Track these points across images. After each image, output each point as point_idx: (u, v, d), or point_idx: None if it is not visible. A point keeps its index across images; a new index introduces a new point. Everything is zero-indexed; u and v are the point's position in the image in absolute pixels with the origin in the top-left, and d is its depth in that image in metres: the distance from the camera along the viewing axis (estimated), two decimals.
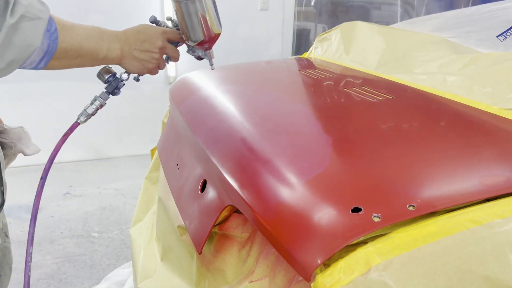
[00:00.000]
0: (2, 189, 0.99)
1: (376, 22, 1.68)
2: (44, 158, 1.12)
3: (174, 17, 0.99)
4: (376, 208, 0.58)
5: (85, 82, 2.97)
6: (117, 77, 0.98)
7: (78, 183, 2.79)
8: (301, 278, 0.62)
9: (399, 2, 3.57)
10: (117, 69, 0.99)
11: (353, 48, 1.52)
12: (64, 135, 1.01)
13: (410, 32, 1.46)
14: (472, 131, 0.87)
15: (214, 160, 0.83)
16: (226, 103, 1.07)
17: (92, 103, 0.99)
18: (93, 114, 1.00)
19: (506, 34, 1.23)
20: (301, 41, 3.60)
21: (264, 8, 3.30)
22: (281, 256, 0.62)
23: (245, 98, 1.12)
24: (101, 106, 1.00)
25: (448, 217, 0.59)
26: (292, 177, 0.68)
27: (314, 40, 1.77)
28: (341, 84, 1.20)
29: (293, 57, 1.81)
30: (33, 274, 1.89)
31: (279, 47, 3.46)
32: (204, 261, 0.88)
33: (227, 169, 0.79)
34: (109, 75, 0.98)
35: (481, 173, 0.69)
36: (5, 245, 1.10)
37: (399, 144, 0.80)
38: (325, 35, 1.72)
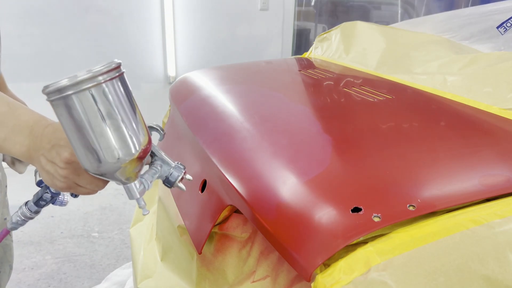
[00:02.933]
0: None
1: (376, 22, 1.68)
2: None
3: None
4: (376, 208, 0.58)
5: None
6: (48, 189, 0.69)
7: None
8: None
9: (399, 2, 3.57)
10: None
11: (353, 48, 1.52)
12: None
13: (410, 32, 1.46)
14: (472, 131, 0.87)
15: (214, 160, 0.83)
16: (226, 103, 1.07)
17: (16, 212, 0.72)
18: (21, 224, 0.72)
19: (506, 25, 1.23)
20: (301, 41, 3.60)
21: (264, 8, 3.30)
22: (282, 256, 0.62)
23: (245, 98, 1.12)
24: (26, 218, 0.71)
25: (448, 217, 0.59)
26: (292, 177, 0.68)
27: (314, 40, 1.77)
28: (341, 84, 1.20)
29: (293, 57, 1.81)
30: (33, 274, 1.89)
31: (279, 47, 3.46)
32: (204, 261, 0.88)
33: (227, 169, 0.79)
34: (40, 179, 0.71)
35: (481, 173, 0.69)
36: (6, 243, 1.11)
37: (399, 144, 0.80)
38: (325, 35, 1.72)
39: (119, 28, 2.90)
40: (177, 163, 0.63)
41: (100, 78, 0.50)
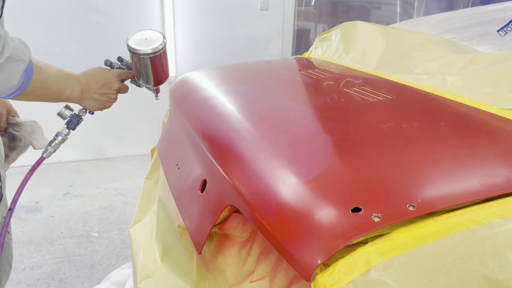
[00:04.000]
0: (0, 184, 0.99)
1: (376, 22, 1.68)
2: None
3: (126, 59, 1.12)
4: (376, 208, 0.58)
5: None
6: (77, 114, 1.09)
7: (78, 183, 2.79)
8: (301, 277, 0.62)
9: (399, 2, 3.57)
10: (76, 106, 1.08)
11: (353, 48, 1.52)
12: (30, 170, 1.06)
13: (410, 32, 1.46)
14: (472, 131, 0.87)
15: (214, 160, 0.83)
16: (226, 103, 1.07)
17: (54, 139, 1.08)
18: (55, 149, 1.08)
19: (506, 29, 1.23)
20: (301, 41, 3.60)
21: (264, 8, 3.30)
22: (281, 256, 0.62)
23: (245, 98, 1.12)
24: (63, 141, 1.09)
25: (448, 217, 0.59)
26: (292, 177, 0.68)
27: (314, 40, 1.77)
28: (341, 84, 1.20)
29: (293, 57, 1.81)
30: (33, 274, 1.89)
31: (279, 47, 3.46)
32: (204, 261, 0.88)
33: (227, 169, 0.79)
34: (71, 113, 1.09)
35: (481, 173, 0.69)
36: (5, 241, 1.11)
37: (399, 144, 0.80)
38: (325, 35, 1.72)
39: (119, 28, 2.90)
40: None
41: (158, 51, 1.05)
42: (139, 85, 1.18)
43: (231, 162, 0.80)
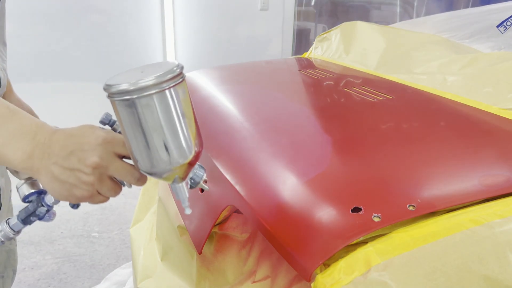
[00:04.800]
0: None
1: (376, 22, 1.68)
2: None
3: None
4: (376, 208, 0.58)
5: (84, 82, 2.97)
6: (38, 198, 0.65)
7: None
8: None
9: (399, 2, 3.57)
10: None
11: (353, 48, 1.52)
12: None
13: (410, 32, 1.46)
14: (472, 131, 0.87)
15: (214, 160, 0.83)
16: (226, 103, 1.07)
17: None
18: None
19: (506, 24, 1.23)
20: (301, 41, 3.60)
21: (264, 8, 3.30)
22: (281, 256, 0.62)
23: (245, 98, 1.12)
24: (8, 238, 0.64)
25: (448, 217, 0.59)
26: (292, 177, 0.68)
27: (314, 40, 1.77)
28: (341, 84, 1.20)
29: (293, 57, 1.81)
30: (33, 274, 1.89)
31: (279, 47, 3.46)
32: (204, 261, 0.88)
33: (227, 169, 0.79)
34: (30, 192, 0.64)
35: (481, 173, 0.69)
36: (10, 248, 1.10)
37: (399, 144, 0.80)
38: (325, 35, 1.72)
39: (119, 28, 2.90)
40: (199, 164, 0.61)
41: (165, 85, 0.48)
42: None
43: (231, 162, 0.80)
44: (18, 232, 0.64)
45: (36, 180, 0.65)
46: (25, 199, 0.64)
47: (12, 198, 1.09)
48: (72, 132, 0.57)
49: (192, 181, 0.60)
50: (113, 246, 2.11)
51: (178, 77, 0.50)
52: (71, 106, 3.00)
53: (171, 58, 0.76)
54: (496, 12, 1.33)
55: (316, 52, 1.70)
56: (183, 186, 0.59)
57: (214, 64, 1.67)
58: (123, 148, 0.57)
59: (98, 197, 0.61)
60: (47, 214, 0.66)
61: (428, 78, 1.14)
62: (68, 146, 0.55)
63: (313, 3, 3.70)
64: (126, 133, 0.52)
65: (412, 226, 0.58)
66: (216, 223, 0.81)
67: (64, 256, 2.03)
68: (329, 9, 3.85)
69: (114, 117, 0.60)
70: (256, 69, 1.51)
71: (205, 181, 0.61)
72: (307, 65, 1.52)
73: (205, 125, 0.99)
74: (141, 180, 0.60)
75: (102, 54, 2.87)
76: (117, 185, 0.60)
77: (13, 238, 0.65)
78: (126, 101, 0.49)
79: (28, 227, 0.65)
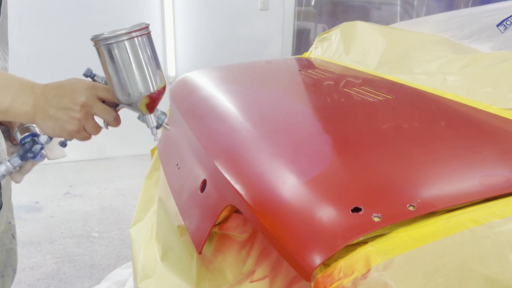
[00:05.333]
0: (0, 191, 0.98)
1: (376, 22, 1.68)
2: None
3: None
4: (376, 208, 0.58)
5: None
6: (34, 139, 0.80)
7: (78, 183, 2.79)
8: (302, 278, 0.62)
9: (399, 2, 3.57)
10: None
11: (353, 48, 1.52)
12: None
13: (410, 32, 1.46)
14: (472, 131, 0.87)
15: (214, 160, 0.83)
16: (226, 103, 1.07)
17: None
18: None
19: (505, 23, 1.23)
20: (301, 41, 3.60)
21: (264, 8, 3.30)
22: (281, 256, 0.62)
23: (245, 98, 1.12)
24: (9, 172, 0.80)
25: (448, 217, 0.59)
26: (292, 177, 0.68)
27: (314, 40, 1.77)
28: (341, 84, 1.20)
29: (293, 57, 1.81)
30: (33, 274, 1.89)
31: (279, 47, 3.46)
32: (204, 261, 0.88)
33: (227, 169, 0.79)
34: (25, 135, 0.81)
35: (481, 173, 0.69)
36: (11, 247, 1.10)
37: (399, 144, 0.80)
38: (325, 35, 1.72)
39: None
40: (162, 111, 0.81)
41: (133, 34, 0.69)
42: (140, 119, 0.81)
43: (231, 162, 0.80)
44: (17, 167, 0.80)
45: (28, 125, 0.83)
46: (21, 141, 0.81)
47: (12, 197, 1.09)
48: (62, 82, 0.74)
49: (157, 122, 0.80)
50: (113, 246, 2.11)
51: (143, 29, 0.70)
52: None
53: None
54: (496, 12, 1.33)
55: (316, 52, 1.70)
56: (151, 117, 0.79)
57: (214, 64, 1.67)
58: (104, 92, 0.74)
59: (83, 133, 0.76)
60: (40, 153, 0.82)
61: (428, 78, 1.14)
62: (60, 91, 0.72)
63: (313, 3, 3.70)
64: (108, 71, 0.70)
65: (412, 226, 0.58)
66: (216, 223, 0.81)
67: (64, 256, 2.03)
68: (329, 9, 3.85)
69: (94, 71, 0.78)
70: (256, 69, 1.51)
71: (167, 124, 0.82)
72: (307, 65, 1.52)
73: (205, 125, 0.99)
74: (117, 120, 0.78)
75: None
76: (98, 125, 0.77)
77: (11, 173, 0.81)
78: (106, 46, 0.68)
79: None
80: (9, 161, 0.80)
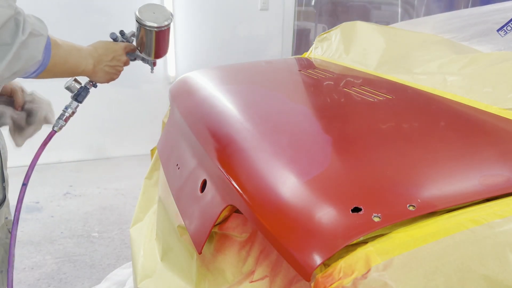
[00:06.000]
0: (4, 185, 0.99)
1: (376, 22, 1.68)
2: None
3: (126, 33, 1.19)
4: (376, 208, 0.58)
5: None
6: (86, 87, 1.13)
7: (78, 183, 2.79)
8: (301, 278, 0.62)
9: (399, 2, 3.57)
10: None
11: (353, 48, 1.52)
12: (42, 144, 1.10)
13: (410, 32, 1.46)
14: (472, 131, 0.87)
15: (214, 160, 0.83)
16: (226, 103, 1.07)
17: (64, 113, 1.13)
18: (66, 123, 1.14)
19: (506, 28, 1.23)
20: (301, 41, 3.60)
21: (264, 8, 3.30)
22: (281, 256, 0.62)
23: (245, 98, 1.12)
24: (73, 114, 1.14)
25: (448, 217, 0.59)
26: (292, 177, 0.68)
27: (314, 40, 1.77)
28: (341, 84, 1.20)
29: (293, 57, 1.81)
30: (33, 274, 1.89)
31: (279, 47, 3.46)
32: (204, 261, 0.88)
33: (227, 169, 0.79)
34: (79, 86, 1.13)
35: (481, 173, 0.69)
36: (7, 242, 1.11)
37: (399, 144, 0.80)
38: (325, 35, 1.72)
39: (119, 28, 2.90)
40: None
41: (162, 27, 1.11)
42: (135, 59, 1.21)
43: (231, 162, 0.80)
44: (76, 108, 1.16)
45: (77, 79, 1.13)
46: (77, 92, 1.13)
47: (11, 195, 1.09)
48: (105, 46, 1.09)
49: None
50: (113, 246, 2.11)
51: (170, 23, 1.12)
52: None
53: (164, 7, 0.92)
54: (496, 12, 1.33)
55: (316, 52, 1.70)
56: (152, 63, 1.25)
57: (214, 64, 1.67)
58: (130, 49, 1.16)
59: (118, 76, 1.16)
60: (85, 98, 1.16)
61: (428, 78, 1.14)
62: (109, 54, 1.09)
63: (313, 3, 3.70)
64: (144, 40, 1.14)
65: (412, 226, 0.58)
66: (216, 223, 0.81)
67: (64, 256, 2.03)
68: (329, 9, 3.85)
69: (117, 34, 1.16)
70: (256, 69, 1.51)
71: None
72: (307, 65, 1.52)
73: (205, 125, 0.99)
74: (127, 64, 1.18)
75: None
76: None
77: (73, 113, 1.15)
78: (146, 29, 1.10)
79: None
80: (70, 107, 1.14)
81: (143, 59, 1.22)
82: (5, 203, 1.03)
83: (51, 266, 1.95)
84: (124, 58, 1.13)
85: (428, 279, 0.53)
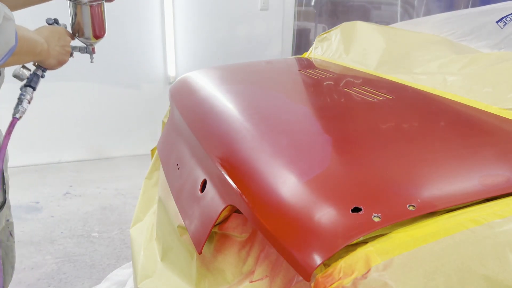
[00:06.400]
0: (4, 187, 0.99)
1: (376, 22, 1.68)
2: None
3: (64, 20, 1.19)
4: (376, 208, 0.58)
5: (80, 82, 2.96)
6: (36, 74, 1.08)
7: (78, 183, 2.79)
8: (301, 278, 0.62)
9: (399, 2, 3.57)
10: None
11: (353, 48, 1.52)
12: (7, 133, 1.01)
13: (410, 32, 1.46)
14: (472, 131, 0.87)
15: (214, 160, 0.83)
16: (226, 103, 1.07)
17: (22, 100, 1.06)
18: (26, 108, 1.07)
19: (505, 19, 1.23)
20: (301, 41, 3.60)
21: (264, 8, 3.30)
22: (281, 256, 0.62)
23: (245, 98, 1.12)
24: (31, 99, 1.08)
25: (448, 217, 0.59)
26: (292, 177, 0.68)
27: (314, 40, 1.77)
28: (341, 84, 1.20)
29: (293, 57, 1.81)
30: (33, 274, 1.89)
31: (279, 47, 3.46)
32: (204, 261, 0.88)
33: (227, 169, 0.79)
34: (29, 72, 1.07)
35: (481, 173, 0.69)
36: (7, 244, 1.11)
37: (399, 144, 0.80)
38: (325, 35, 1.72)
39: (119, 28, 2.90)
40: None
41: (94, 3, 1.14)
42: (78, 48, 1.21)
43: (231, 162, 0.80)
44: (32, 94, 1.08)
45: (25, 65, 1.06)
46: (28, 78, 1.06)
47: (11, 196, 1.09)
48: (49, 29, 1.07)
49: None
50: (113, 246, 2.11)
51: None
52: (70, 107, 3.00)
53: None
54: (496, 12, 1.33)
55: (316, 52, 1.70)
56: (91, 48, 1.26)
57: (214, 64, 1.67)
58: (70, 33, 1.14)
59: (68, 58, 1.13)
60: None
61: (428, 78, 1.14)
62: (55, 35, 1.06)
63: (313, 3, 3.70)
64: (83, 19, 1.14)
65: (412, 226, 0.58)
66: (216, 223, 0.81)
67: (64, 256, 2.03)
68: (329, 9, 3.85)
69: (50, 20, 1.15)
70: (256, 69, 1.51)
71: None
72: (307, 65, 1.52)
73: (205, 125, 0.99)
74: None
75: (102, 54, 2.87)
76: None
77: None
78: (81, 5, 1.11)
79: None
80: (27, 93, 1.06)
81: (80, 49, 1.21)
82: (6, 205, 1.03)
83: (51, 266, 1.95)
84: (69, 38, 1.11)
85: (428, 279, 0.53)
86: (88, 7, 1.12)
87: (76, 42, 1.18)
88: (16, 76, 1.06)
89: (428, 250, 0.55)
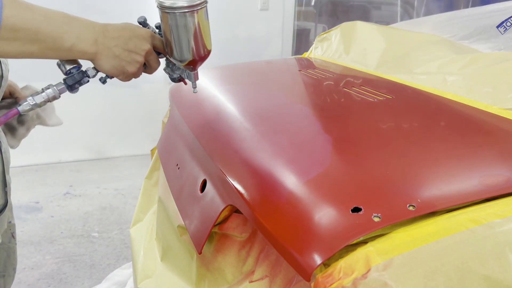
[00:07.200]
0: (5, 190, 0.99)
1: (376, 22, 1.68)
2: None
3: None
4: (376, 208, 0.58)
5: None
6: (82, 70, 0.81)
7: (78, 183, 2.79)
8: (301, 278, 0.62)
9: (399, 2, 3.57)
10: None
11: (353, 48, 1.52)
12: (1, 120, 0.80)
13: (410, 32, 1.46)
14: (472, 131, 0.87)
15: (214, 160, 0.83)
16: (226, 103, 1.07)
17: (42, 91, 0.80)
18: (39, 106, 0.79)
19: (506, 24, 1.23)
20: (301, 41, 3.60)
21: (264, 8, 3.30)
22: (281, 256, 0.62)
23: (245, 98, 1.12)
24: (54, 98, 0.80)
25: (448, 217, 0.59)
26: (292, 177, 0.68)
27: (314, 40, 1.77)
28: (341, 84, 1.20)
29: (293, 57, 1.81)
30: (33, 274, 1.89)
31: (279, 47, 3.46)
32: (204, 261, 0.88)
33: (227, 169, 0.79)
34: (72, 66, 0.80)
35: (481, 173, 0.69)
36: (10, 246, 1.11)
37: (399, 144, 0.80)
38: (325, 35, 1.72)
39: None
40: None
41: (194, 8, 0.78)
42: (172, 70, 0.91)
43: (231, 162, 0.80)
44: (58, 96, 0.81)
45: (69, 60, 0.81)
46: (67, 72, 0.80)
47: (11, 197, 1.09)
48: (123, 25, 0.79)
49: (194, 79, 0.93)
50: (113, 246, 2.11)
51: (202, 3, 0.78)
52: (70, 107, 3.00)
53: None
54: (496, 12, 1.33)
55: (316, 52, 1.70)
56: (192, 74, 0.92)
57: (214, 64, 1.67)
58: (160, 43, 0.83)
59: (133, 75, 0.82)
60: (79, 85, 0.83)
61: (428, 78, 1.14)
62: (125, 34, 0.77)
63: (313, 3, 3.70)
64: (171, 33, 0.80)
65: (412, 226, 0.58)
66: (216, 223, 0.81)
67: (64, 256, 2.03)
68: (329, 9, 3.85)
69: (141, 19, 0.85)
70: (256, 69, 1.51)
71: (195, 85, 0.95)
72: (307, 65, 1.52)
73: (205, 125, 0.99)
74: (156, 70, 0.85)
75: None
76: (141, 70, 0.83)
77: (51, 101, 0.81)
78: (176, 14, 0.77)
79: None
80: (55, 86, 0.80)
81: (172, 69, 0.91)
82: (8, 207, 1.03)
83: (51, 266, 1.95)
84: (148, 46, 0.79)
85: (428, 279, 0.53)
86: (188, 14, 0.78)
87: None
88: (58, 65, 0.82)
89: (428, 250, 0.55)
